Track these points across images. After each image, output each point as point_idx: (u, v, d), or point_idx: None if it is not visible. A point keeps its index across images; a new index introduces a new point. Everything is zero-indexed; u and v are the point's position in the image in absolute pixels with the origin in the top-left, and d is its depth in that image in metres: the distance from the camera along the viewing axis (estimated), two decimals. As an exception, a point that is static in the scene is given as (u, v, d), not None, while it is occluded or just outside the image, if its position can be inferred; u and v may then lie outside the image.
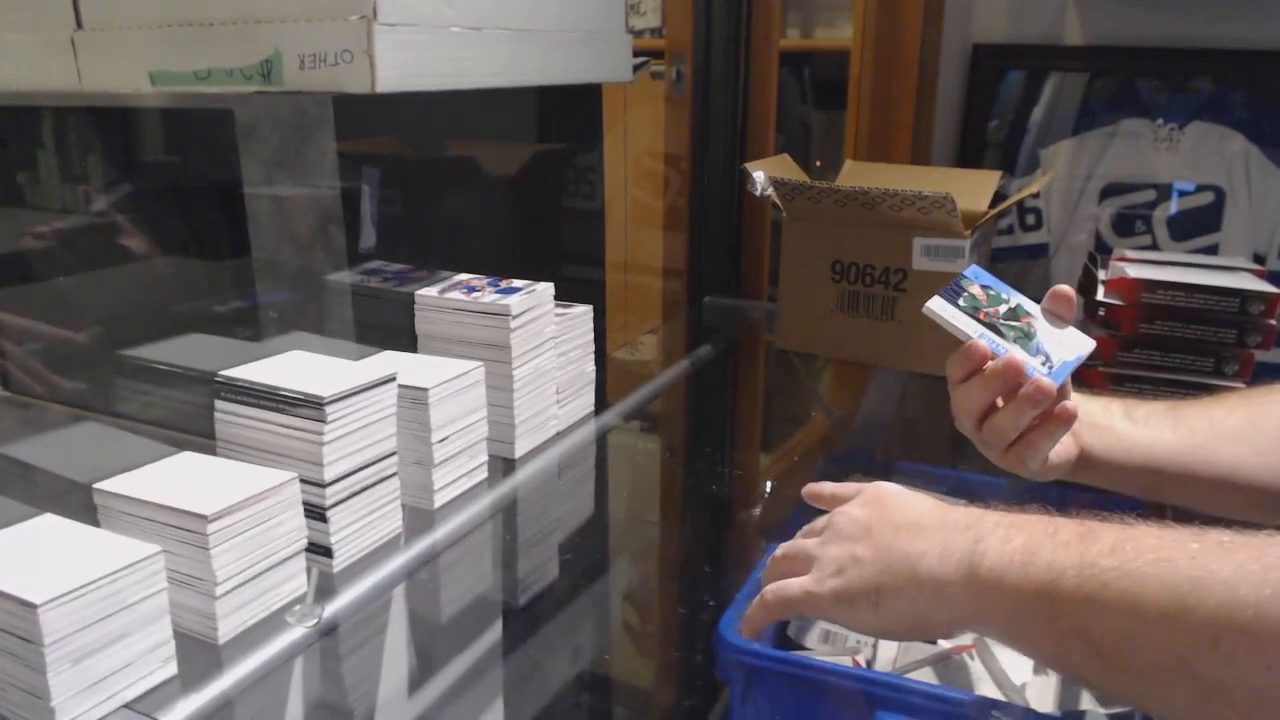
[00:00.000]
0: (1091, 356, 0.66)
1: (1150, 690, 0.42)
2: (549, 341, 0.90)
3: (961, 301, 0.66)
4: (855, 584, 0.53)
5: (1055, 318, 0.67)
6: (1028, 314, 0.67)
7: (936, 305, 0.66)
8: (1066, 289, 0.66)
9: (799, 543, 0.59)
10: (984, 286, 0.68)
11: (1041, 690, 0.66)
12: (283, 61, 0.72)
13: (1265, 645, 0.38)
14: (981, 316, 0.66)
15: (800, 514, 0.83)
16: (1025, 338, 0.65)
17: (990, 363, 0.63)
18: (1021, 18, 1.36)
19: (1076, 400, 0.66)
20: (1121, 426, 0.67)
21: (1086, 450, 0.66)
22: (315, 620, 0.63)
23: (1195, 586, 0.40)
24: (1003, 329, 0.65)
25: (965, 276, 0.68)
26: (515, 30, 0.86)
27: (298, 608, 0.65)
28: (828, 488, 0.64)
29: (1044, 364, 0.63)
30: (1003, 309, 0.67)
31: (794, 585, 0.56)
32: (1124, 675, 0.43)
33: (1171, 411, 0.68)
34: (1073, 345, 0.65)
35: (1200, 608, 0.40)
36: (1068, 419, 0.62)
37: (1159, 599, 0.41)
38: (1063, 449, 0.65)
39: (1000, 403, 0.64)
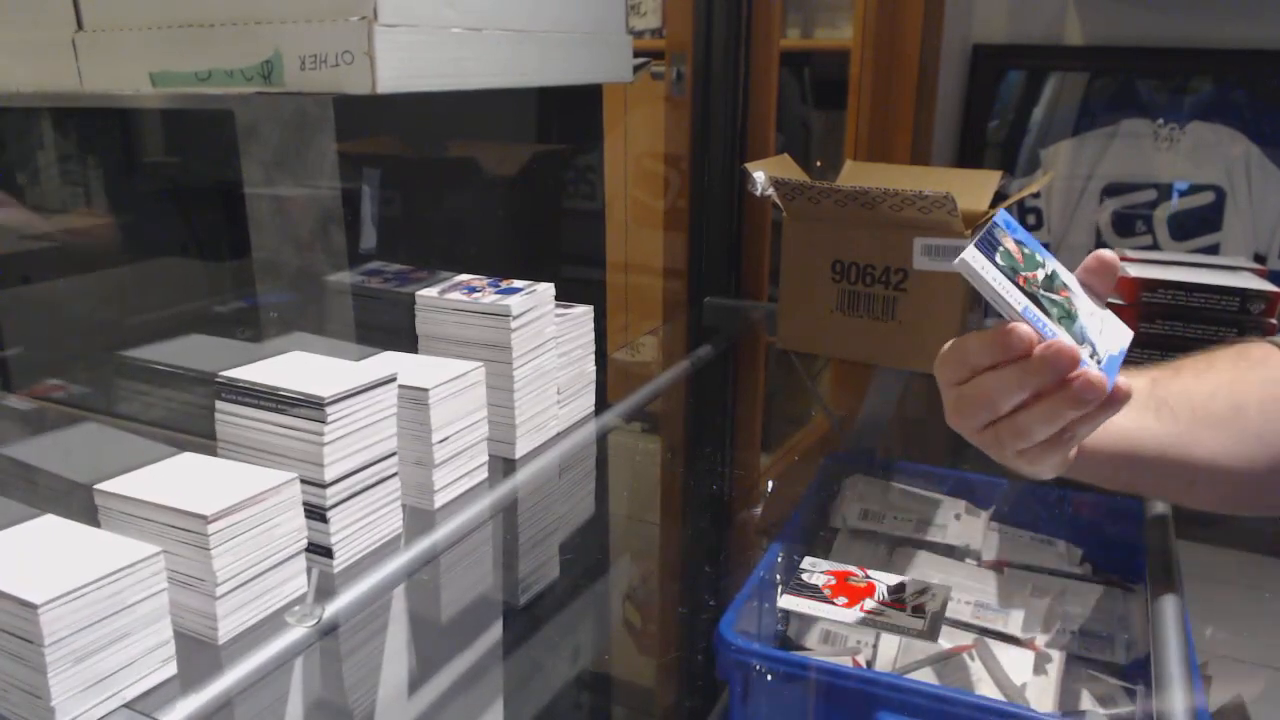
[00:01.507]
0: None
1: None
2: (549, 342, 0.90)
3: (999, 259, 0.50)
4: None
5: (1093, 293, 0.54)
6: (1065, 286, 0.53)
7: (974, 260, 0.49)
8: (1109, 254, 0.54)
9: None
10: (1018, 242, 0.52)
11: (1041, 690, 0.66)
12: (283, 62, 0.72)
13: None
14: (1021, 282, 0.50)
15: (800, 514, 0.83)
16: (1068, 318, 0.51)
17: (1038, 348, 0.49)
18: (1021, 18, 1.36)
19: None
20: None
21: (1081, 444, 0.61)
22: (315, 620, 0.63)
23: None
24: (1045, 303, 0.50)
25: (997, 225, 0.52)
26: (515, 31, 0.86)
27: (298, 608, 0.65)
28: None
29: (1091, 356, 0.50)
30: (1040, 275, 0.52)
31: None
32: None
33: (1153, 389, 0.62)
34: (1115, 335, 0.53)
35: None
36: (1122, 398, 0.51)
37: None
38: None
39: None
